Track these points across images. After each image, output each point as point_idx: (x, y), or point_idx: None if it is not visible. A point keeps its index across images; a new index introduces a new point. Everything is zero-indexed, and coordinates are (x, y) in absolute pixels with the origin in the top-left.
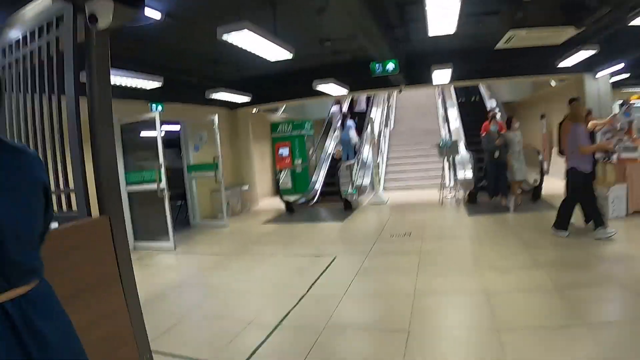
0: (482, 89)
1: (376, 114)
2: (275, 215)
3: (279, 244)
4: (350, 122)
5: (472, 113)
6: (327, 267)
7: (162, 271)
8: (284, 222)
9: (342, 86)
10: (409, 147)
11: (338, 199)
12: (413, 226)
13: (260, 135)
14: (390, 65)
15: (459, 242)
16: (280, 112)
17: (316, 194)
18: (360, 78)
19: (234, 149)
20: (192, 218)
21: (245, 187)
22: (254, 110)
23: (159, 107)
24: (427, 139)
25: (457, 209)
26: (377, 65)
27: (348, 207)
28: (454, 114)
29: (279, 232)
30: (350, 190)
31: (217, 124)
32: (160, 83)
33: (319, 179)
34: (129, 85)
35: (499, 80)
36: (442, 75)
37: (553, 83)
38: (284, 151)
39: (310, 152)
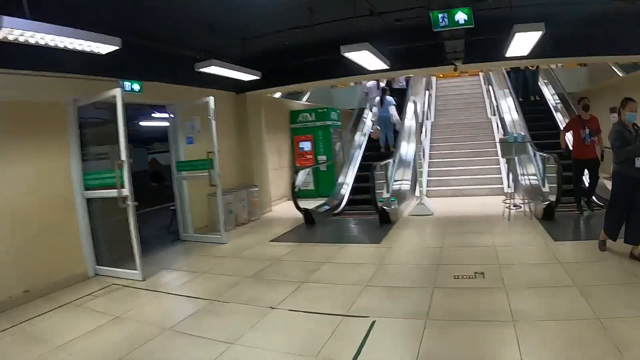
0: (543, 85)
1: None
2: (290, 226)
3: (288, 284)
4: (390, 98)
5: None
6: (361, 346)
7: (98, 327)
8: (300, 239)
9: (379, 57)
10: (453, 143)
11: (371, 208)
12: (482, 258)
13: (277, 126)
14: (461, 16)
15: (567, 297)
16: (305, 98)
17: (343, 200)
18: (406, 51)
19: (241, 142)
20: (182, 230)
21: (255, 190)
22: (276, 95)
23: (135, 86)
24: (476, 134)
25: (533, 229)
26: (440, 16)
27: (385, 220)
28: (509, 104)
29: (290, 257)
30: (387, 196)
31: (212, 109)
32: (118, 46)
33: (346, 181)
34: (78, 49)
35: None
36: (524, 43)
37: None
38: (306, 145)
39: (337, 147)
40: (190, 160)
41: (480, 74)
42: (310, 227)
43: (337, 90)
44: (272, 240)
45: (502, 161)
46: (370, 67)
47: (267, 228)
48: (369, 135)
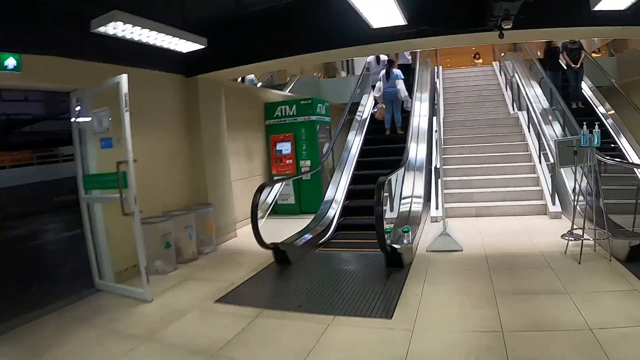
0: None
1: (421, 99)
2: (255, 266)
3: None
4: (397, 71)
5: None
6: None
7: None
8: (264, 301)
9: (397, 4)
10: (471, 144)
11: (369, 234)
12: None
13: (247, 122)
14: None
15: None
16: (287, 91)
17: (331, 225)
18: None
19: (191, 145)
20: (97, 274)
21: (209, 210)
22: (250, 77)
23: (8, 62)
24: (499, 134)
25: (627, 282)
26: None
27: (395, 263)
28: (536, 92)
29: (240, 350)
30: (392, 216)
31: (125, 94)
32: None
33: (336, 197)
34: None
35: None
36: None
37: None
38: (284, 147)
39: (325, 148)
40: (101, 173)
41: (494, 63)
42: (284, 270)
43: (327, 82)
44: (220, 300)
45: (541, 169)
46: (378, 21)
47: (221, 269)
48: (372, 115)
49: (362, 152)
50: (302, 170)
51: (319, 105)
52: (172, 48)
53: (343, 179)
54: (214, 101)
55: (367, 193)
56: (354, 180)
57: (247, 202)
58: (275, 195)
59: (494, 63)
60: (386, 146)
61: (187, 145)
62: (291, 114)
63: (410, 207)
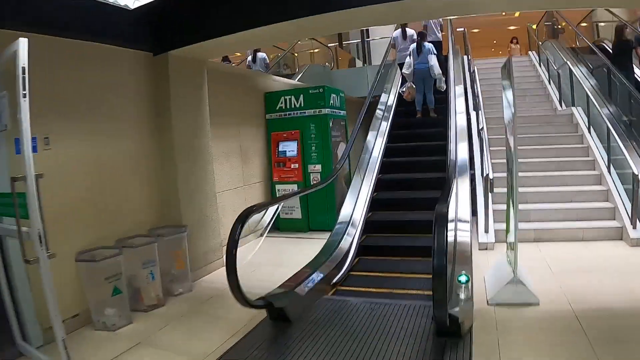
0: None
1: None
2: (238, 329)
3: None
4: (430, 45)
5: None
6: None
7: None
8: None
9: None
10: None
11: (405, 267)
12: None
13: (242, 116)
14: None
15: None
16: (297, 79)
17: (349, 252)
18: None
19: (159, 144)
20: (19, 334)
21: (181, 234)
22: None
23: None
24: (549, 135)
25: None
26: None
27: (450, 331)
28: (592, 85)
29: None
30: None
31: (23, 68)
32: None
33: (356, 211)
34: None
35: None
36: None
37: None
38: (289, 148)
39: (338, 149)
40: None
41: (530, 53)
42: (280, 334)
43: (340, 72)
44: None
45: (612, 180)
46: None
47: (192, 326)
48: (401, 94)
49: (387, 151)
50: (312, 177)
51: (333, 95)
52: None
53: (364, 186)
54: (192, 87)
55: (398, 203)
56: (380, 185)
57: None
58: (274, 216)
59: (530, 53)
60: (418, 131)
61: (154, 146)
62: (297, 105)
63: (456, 236)
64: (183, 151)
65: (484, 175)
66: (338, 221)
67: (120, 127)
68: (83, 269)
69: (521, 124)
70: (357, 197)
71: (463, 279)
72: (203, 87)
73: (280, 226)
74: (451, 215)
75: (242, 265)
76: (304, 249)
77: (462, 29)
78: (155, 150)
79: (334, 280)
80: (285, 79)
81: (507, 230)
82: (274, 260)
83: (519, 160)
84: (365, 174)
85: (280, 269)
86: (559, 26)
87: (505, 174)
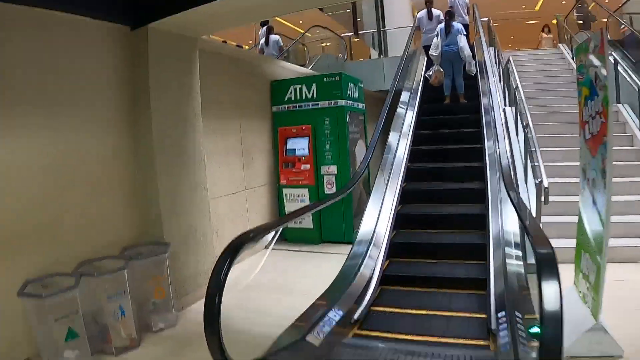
0: None
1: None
2: None
3: None
4: (459, 25)
5: None
6: None
7: None
8: None
9: None
10: (562, 148)
11: (442, 298)
12: None
13: (241, 108)
14: None
15: None
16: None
17: (371, 281)
18: None
19: (137, 141)
20: None
21: (161, 255)
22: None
23: None
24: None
25: None
26: None
27: None
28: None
29: None
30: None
31: None
32: None
33: (378, 228)
34: None
35: None
36: None
37: None
38: (299, 145)
39: (358, 148)
40: None
41: (560, 45)
42: None
43: (354, 64)
44: None
45: None
46: None
47: None
48: (427, 78)
49: (413, 155)
50: (325, 180)
51: (350, 85)
52: None
53: (388, 197)
54: (179, 71)
55: (428, 220)
56: (405, 197)
57: (240, 228)
58: (275, 236)
59: (560, 45)
60: (446, 117)
61: (129, 144)
62: (309, 96)
63: (505, 261)
64: (166, 150)
65: (537, 182)
66: (357, 239)
67: (86, 121)
68: (28, 305)
69: (564, 121)
70: (380, 210)
71: (536, 330)
72: (194, 72)
73: (288, 237)
74: (501, 231)
75: (240, 289)
76: (315, 268)
77: (486, 19)
78: (130, 149)
79: (355, 317)
80: (296, 65)
81: (578, 257)
82: (280, 283)
83: (566, 162)
84: (388, 181)
85: (287, 298)
86: (591, 15)
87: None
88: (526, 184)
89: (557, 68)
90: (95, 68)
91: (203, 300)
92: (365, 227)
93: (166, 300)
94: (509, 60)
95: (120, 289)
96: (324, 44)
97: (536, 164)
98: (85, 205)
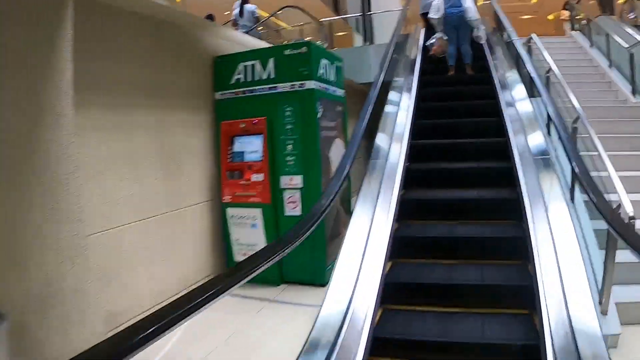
0: None
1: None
2: None
3: None
4: None
5: None
6: None
7: None
8: None
9: None
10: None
11: None
12: None
13: (166, 94)
14: None
15: None
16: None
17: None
18: None
19: None
20: None
21: None
22: None
23: None
24: (623, 135)
25: None
26: None
27: None
28: None
29: None
30: None
31: None
32: None
33: (361, 275)
34: None
35: None
36: None
37: None
38: (249, 146)
39: (334, 151)
40: None
41: (573, 33)
42: None
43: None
44: None
45: None
46: None
47: None
48: (428, 48)
49: (414, 151)
50: (286, 198)
51: (324, 62)
52: None
53: (378, 216)
54: (29, 36)
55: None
56: (404, 213)
57: (159, 272)
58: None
59: (572, 33)
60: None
61: None
62: (265, 77)
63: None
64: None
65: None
66: (332, 285)
67: None
68: None
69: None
70: (368, 237)
71: None
72: (60, 38)
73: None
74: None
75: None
76: (272, 332)
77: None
78: None
79: None
80: (248, 36)
81: None
82: None
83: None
84: (378, 194)
85: None
86: None
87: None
88: (572, 202)
89: (572, 57)
90: None
91: None
92: (344, 266)
93: None
94: (530, 38)
95: None
96: (300, 27)
97: (603, 174)
98: None
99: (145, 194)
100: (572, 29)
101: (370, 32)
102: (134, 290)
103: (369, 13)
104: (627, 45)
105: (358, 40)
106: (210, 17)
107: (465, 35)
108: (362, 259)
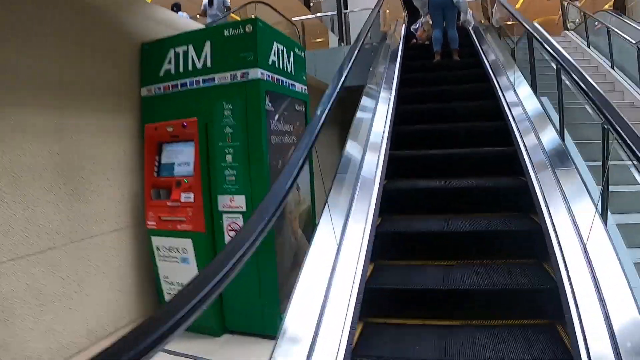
0: None
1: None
2: None
3: None
4: None
5: None
6: None
7: None
8: None
9: None
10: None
11: None
12: None
13: (75, 92)
14: None
15: None
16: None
17: None
18: None
19: None
20: None
21: None
22: None
23: None
24: None
25: None
26: None
27: None
28: None
29: None
30: None
31: None
32: None
33: (325, 322)
34: None
35: None
36: None
37: None
38: (179, 157)
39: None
40: None
41: (569, 33)
42: None
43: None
44: None
45: None
46: None
47: None
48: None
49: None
50: (226, 224)
51: (278, 47)
52: None
53: (349, 247)
54: None
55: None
56: (384, 245)
57: (59, 319)
58: None
59: (568, 33)
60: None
61: None
62: (200, 66)
63: None
64: None
65: None
66: (287, 329)
67: None
68: None
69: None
70: (332, 275)
71: None
72: None
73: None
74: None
75: None
76: None
77: None
78: None
79: None
80: (184, 17)
81: None
82: None
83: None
84: (348, 216)
85: None
86: None
87: None
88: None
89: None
90: None
91: None
92: (304, 309)
93: None
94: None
95: None
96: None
97: None
98: None
99: (35, 220)
100: (565, 28)
101: (346, 32)
102: (19, 350)
103: (345, 11)
104: (634, 41)
105: (334, 41)
106: (176, 6)
107: (452, 18)
108: (322, 312)
